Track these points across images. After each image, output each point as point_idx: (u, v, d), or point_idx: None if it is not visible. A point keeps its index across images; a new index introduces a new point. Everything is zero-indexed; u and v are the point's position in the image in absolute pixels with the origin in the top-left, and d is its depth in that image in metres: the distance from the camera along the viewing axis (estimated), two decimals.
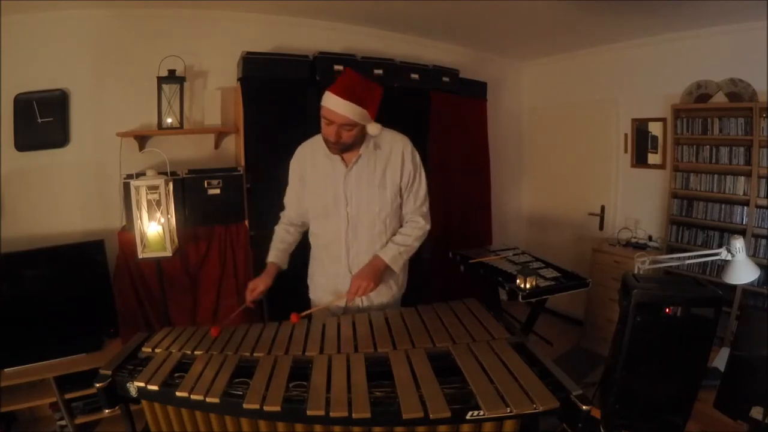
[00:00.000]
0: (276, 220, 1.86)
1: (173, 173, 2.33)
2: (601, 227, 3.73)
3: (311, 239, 1.78)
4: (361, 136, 1.54)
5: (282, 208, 1.83)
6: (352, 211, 1.61)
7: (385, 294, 1.73)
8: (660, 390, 1.26)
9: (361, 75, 1.50)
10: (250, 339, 1.42)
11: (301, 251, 1.85)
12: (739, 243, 1.66)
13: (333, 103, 1.44)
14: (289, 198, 1.79)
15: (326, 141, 1.53)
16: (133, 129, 2.55)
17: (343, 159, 1.60)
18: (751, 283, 2.37)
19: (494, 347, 1.29)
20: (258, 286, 1.65)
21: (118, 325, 2.39)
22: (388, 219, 1.65)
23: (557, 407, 1.05)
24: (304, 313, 1.54)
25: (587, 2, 2.54)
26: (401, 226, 1.72)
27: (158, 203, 2.13)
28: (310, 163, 1.67)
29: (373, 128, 1.51)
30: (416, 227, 1.69)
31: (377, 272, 1.60)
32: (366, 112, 1.47)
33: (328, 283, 1.73)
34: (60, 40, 2.39)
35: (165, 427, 1.25)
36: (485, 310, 1.56)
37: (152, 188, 2.12)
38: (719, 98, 2.93)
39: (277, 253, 1.75)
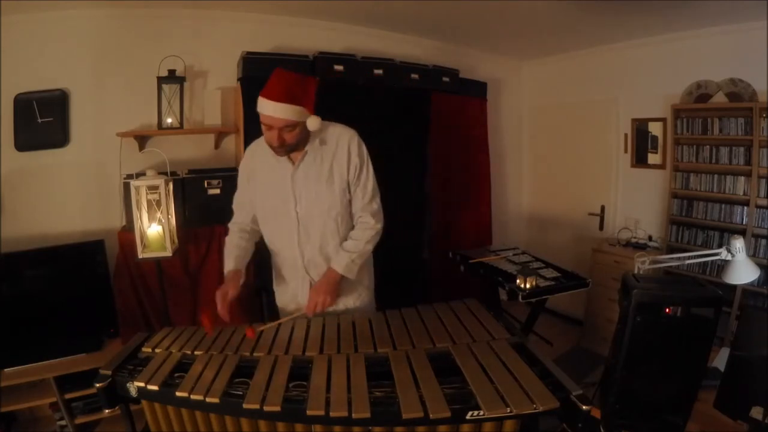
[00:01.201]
0: None
1: (173, 173, 2.34)
2: (601, 227, 3.73)
3: (268, 245, 1.72)
4: (306, 134, 1.50)
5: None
6: (302, 210, 1.57)
7: (353, 301, 1.71)
8: (660, 390, 1.26)
9: (289, 72, 1.45)
10: (250, 339, 1.42)
11: None
12: (739, 243, 1.65)
13: (268, 108, 1.40)
14: (239, 202, 1.72)
15: (270, 146, 1.48)
16: (133, 129, 2.55)
17: (289, 157, 1.56)
18: (751, 283, 2.37)
19: (494, 347, 1.30)
20: (229, 289, 1.49)
21: (118, 325, 2.40)
22: (340, 217, 1.60)
23: (557, 407, 1.05)
24: (261, 327, 1.45)
25: (587, 2, 2.54)
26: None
27: (158, 203, 2.13)
28: (258, 164, 1.62)
29: (312, 123, 1.45)
30: (366, 228, 1.62)
31: (333, 285, 1.57)
32: (303, 109, 1.43)
33: (288, 288, 1.70)
34: (60, 40, 2.39)
35: (165, 427, 1.25)
36: (485, 310, 1.56)
37: (152, 188, 2.12)
38: (719, 98, 2.92)
39: (235, 260, 1.60)
